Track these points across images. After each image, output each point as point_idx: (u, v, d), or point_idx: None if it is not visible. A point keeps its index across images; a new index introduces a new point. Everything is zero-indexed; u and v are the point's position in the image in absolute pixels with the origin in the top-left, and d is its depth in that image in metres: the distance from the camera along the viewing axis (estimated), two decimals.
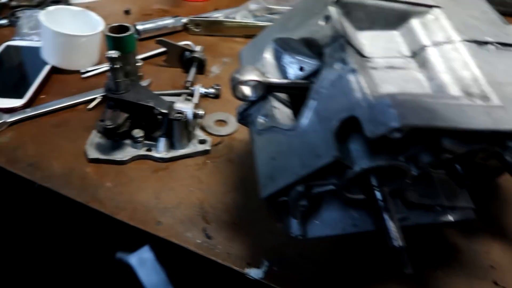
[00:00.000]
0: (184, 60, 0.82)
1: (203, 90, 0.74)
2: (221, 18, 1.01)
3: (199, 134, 0.67)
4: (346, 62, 0.39)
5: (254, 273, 0.49)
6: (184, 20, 0.97)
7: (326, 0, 0.45)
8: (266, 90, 0.45)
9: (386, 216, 0.43)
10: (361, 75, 0.38)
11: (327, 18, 0.43)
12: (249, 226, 0.54)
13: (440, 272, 0.51)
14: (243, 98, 0.45)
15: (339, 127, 0.38)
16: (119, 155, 0.61)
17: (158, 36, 0.91)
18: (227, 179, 0.61)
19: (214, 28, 0.98)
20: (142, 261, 0.94)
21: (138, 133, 0.62)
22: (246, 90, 0.44)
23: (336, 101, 0.39)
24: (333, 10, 0.43)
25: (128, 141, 0.63)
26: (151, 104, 0.60)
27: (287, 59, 0.50)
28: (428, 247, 0.54)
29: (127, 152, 0.62)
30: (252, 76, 0.43)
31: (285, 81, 0.45)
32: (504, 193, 0.63)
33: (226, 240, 0.53)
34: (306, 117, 0.41)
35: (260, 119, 0.46)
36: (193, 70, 0.79)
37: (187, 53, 0.82)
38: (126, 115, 0.61)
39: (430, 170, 0.51)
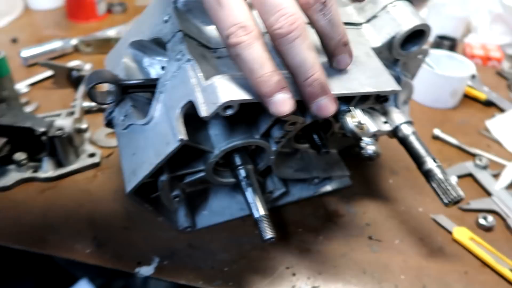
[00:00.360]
0: (72, 80, 0.82)
1: (86, 104, 0.74)
2: (113, 35, 1.01)
3: (89, 148, 0.67)
4: (184, 53, 0.42)
5: (144, 270, 0.50)
6: (74, 41, 0.96)
7: (168, 0, 0.48)
8: (120, 91, 0.46)
9: (249, 190, 0.46)
10: (197, 63, 0.41)
11: (168, 17, 0.46)
12: (139, 228, 0.55)
13: (321, 237, 0.55)
14: (100, 101, 0.47)
15: (183, 113, 0.40)
16: (2, 181, 0.60)
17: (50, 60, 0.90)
18: (118, 187, 0.62)
19: (107, 46, 0.98)
20: None
21: (20, 156, 0.61)
22: (99, 94, 0.46)
23: (178, 90, 0.42)
24: (171, 9, 0.46)
25: (12, 166, 0.62)
26: (27, 125, 0.60)
27: (147, 61, 0.52)
28: (313, 217, 0.58)
29: (10, 177, 0.61)
30: (102, 79, 0.45)
31: (136, 80, 0.47)
32: (378, 159, 0.69)
33: (116, 245, 0.53)
34: (157, 110, 0.43)
35: (120, 119, 0.48)
36: (82, 88, 0.79)
37: (74, 72, 0.82)
38: (4, 139, 0.60)
39: (295, 145, 0.56)
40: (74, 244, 0.53)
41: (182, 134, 0.40)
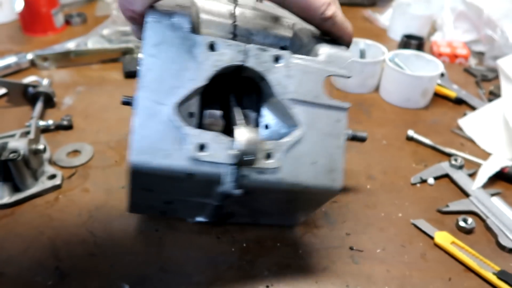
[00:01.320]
0: (28, 97, 0.77)
1: (42, 123, 0.69)
2: (72, 48, 0.96)
3: (49, 169, 0.62)
4: None
5: None
6: (30, 55, 0.91)
7: None
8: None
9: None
10: None
11: None
12: (106, 254, 0.51)
13: (301, 251, 0.53)
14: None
15: None
16: None
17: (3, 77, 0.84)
18: (82, 210, 0.57)
19: (66, 60, 0.93)
20: None
21: None
22: None
23: None
24: None
25: None
26: None
27: None
28: (291, 230, 0.56)
29: None
30: None
31: None
32: (349, 173, 0.67)
33: (82, 274, 0.49)
34: None
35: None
36: (39, 105, 0.74)
37: (30, 89, 0.76)
38: None
39: None
40: (34, 277, 0.49)
41: None
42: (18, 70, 0.90)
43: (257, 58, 0.40)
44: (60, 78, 0.90)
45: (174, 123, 0.37)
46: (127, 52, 0.95)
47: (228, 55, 0.40)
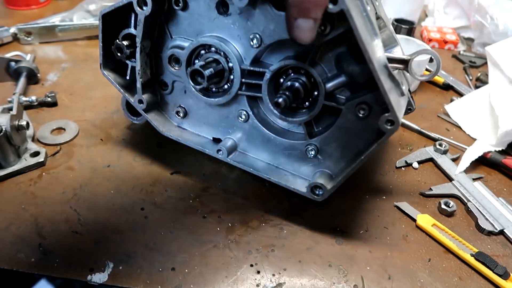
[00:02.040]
0: (11, 72, 0.75)
1: (25, 99, 0.68)
2: (57, 22, 0.94)
3: (33, 146, 0.61)
4: None
5: (98, 278, 0.46)
6: (13, 29, 0.89)
7: None
8: None
9: None
10: None
11: None
12: (91, 231, 0.51)
13: (286, 231, 0.53)
14: None
15: None
16: None
17: None
18: (67, 188, 0.57)
19: (50, 35, 0.91)
20: None
21: None
22: None
23: None
24: None
25: None
26: None
27: None
28: (277, 210, 0.56)
29: None
30: None
31: None
32: None
33: (66, 251, 0.49)
34: None
35: None
36: (22, 81, 0.73)
37: (12, 63, 0.75)
38: None
39: None
40: (17, 253, 0.48)
41: None
42: (0, 45, 0.87)
43: None
44: (44, 54, 0.88)
45: None
46: None
47: None
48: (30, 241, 0.50)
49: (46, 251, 0.49)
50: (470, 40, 1.08)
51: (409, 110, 0.60)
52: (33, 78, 0.76)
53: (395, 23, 1.07)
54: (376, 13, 0.51)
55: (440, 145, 0.67)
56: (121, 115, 0.71)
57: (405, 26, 1.05)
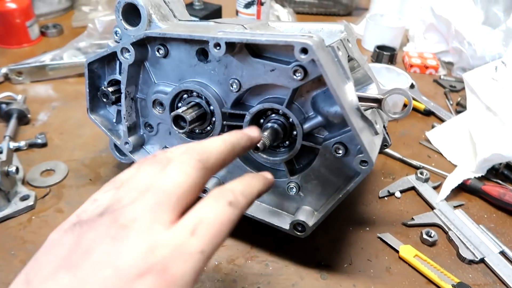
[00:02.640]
0: (2, 114, 0.76)
1: (14, 144, 0.70)
2: (47, 62, 0.96)
3: (22, 190, 0.63)
4: None
5: None
6: (4, 70, 0.91)
7: None
8: None
9: None
10: None
11: None
12: None
13: (271, 268, 0.55)
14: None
15: None
16: None
17: None
18: None
19: (41, 73, 0.93)
20: None
21: None
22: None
23: None
24: None
25: None
26: None
27: None
28: (262, 245, 0.57)
29: None
30: None
31: None
32: None
33: None
34: None
35: None
36: (12, 123, 0.74)
37: (3, 105, 0.76)
38: None
39: None
40: None
41: None
42: None
43: None
44: (35, 93, 0.90)
45: None
46: None
47: None
48: None
49: None
50: (450, 64, 1.11)
51: (385, 146, 0.62)
52: (23, 119, 0.78)
53: (377, 50, 1.10)
54: (348, 55, 0.53)
55: (422, 173, 0.69)
56: (110, 154, 0.72)
57: (387, 53, 1.09)
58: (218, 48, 0.46)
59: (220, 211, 0.29)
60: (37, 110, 0.83)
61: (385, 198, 0.67)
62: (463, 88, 0.99)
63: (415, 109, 0.91)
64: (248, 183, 0.33)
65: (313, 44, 0.41)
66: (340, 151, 0.49)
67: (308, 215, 0.53)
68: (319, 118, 0.49)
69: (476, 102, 0.80)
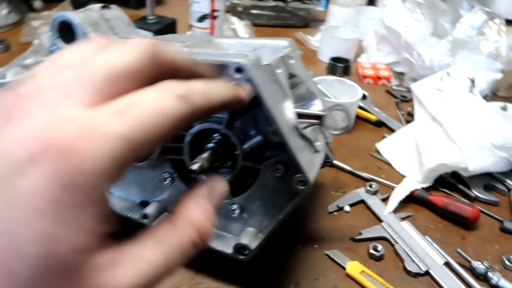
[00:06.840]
0: None
1: None
2: None
3: None
4: None
5: None
6: None
7: None
8: None
9: None
10: None
11: None
12: None
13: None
14: None
15: None
16: None
17: None
18: None
19: None
20: None
21: None
22: None
23: None
24: None
25: None
26: None
27: None
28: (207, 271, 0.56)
29: None
30: None
31: None
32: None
33: None
34: None
35: None
36: None
37: None
38: None
39: None
40: None
41: None
42: None
43: None
44: None
45: None
46: None
47: None
48: None
49: None
50: (402, 74, 1.14)
51: (327, 163, 0.62)
52: None
53: (332, 62, 1.11)
54: (289, 72, 0.53)
55: (370, 186, 0.70)
56: None
57: (341, 65, 1.10)
58: None
59: (163, 100, 0.22)
60: None
61: (335, 213, 0.67)
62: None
63: (367, 120, 0.92)
64: (213, 86, 0.26)
65: (248, 63, 0.41)
66: (280, 171, 0.48)
67: (251, 237, 0.52)
68: (258, 137, 0.48)
69: (423, 112, 0.82)
